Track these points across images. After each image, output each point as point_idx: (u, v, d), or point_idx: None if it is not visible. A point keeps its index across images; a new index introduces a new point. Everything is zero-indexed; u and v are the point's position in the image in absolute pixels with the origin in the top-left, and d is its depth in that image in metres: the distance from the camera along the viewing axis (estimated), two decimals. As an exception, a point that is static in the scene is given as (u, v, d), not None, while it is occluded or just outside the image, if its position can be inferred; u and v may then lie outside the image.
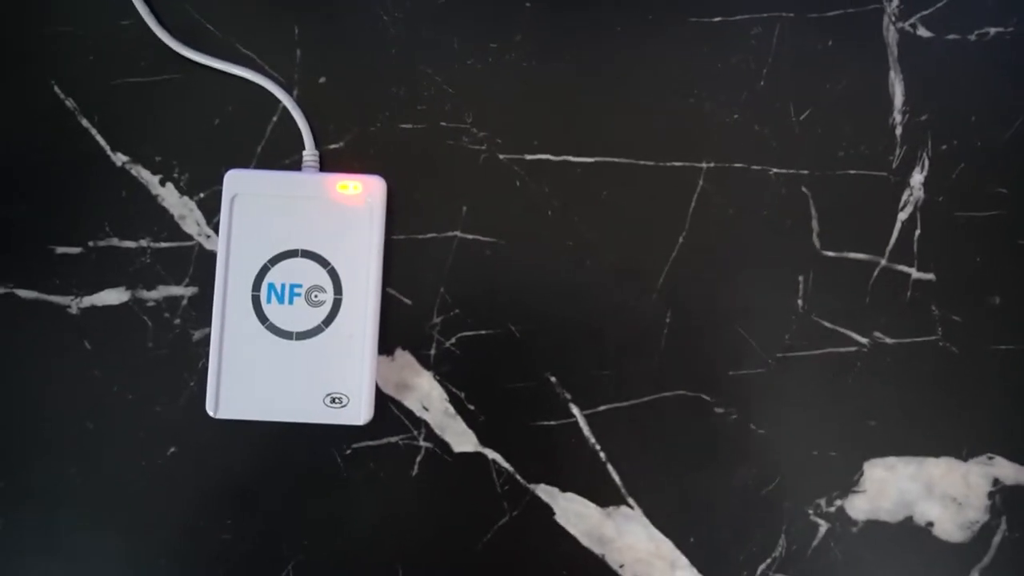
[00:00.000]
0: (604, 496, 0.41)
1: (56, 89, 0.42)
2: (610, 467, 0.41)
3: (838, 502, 0.41)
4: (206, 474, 0.41)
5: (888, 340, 0.41)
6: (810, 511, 0.41)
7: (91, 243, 0.41)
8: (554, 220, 0.42)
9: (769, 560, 0.41)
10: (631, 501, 0.41)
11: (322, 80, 0.42)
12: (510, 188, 0.42)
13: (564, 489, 0.41)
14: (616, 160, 0.42)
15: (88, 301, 0.41)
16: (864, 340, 0.41)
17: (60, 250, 0.41)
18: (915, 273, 0.42)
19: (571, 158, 0.42)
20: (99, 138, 0.42)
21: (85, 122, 0.42)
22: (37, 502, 0.40)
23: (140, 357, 0.41)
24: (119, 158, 0.42)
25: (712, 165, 0.42)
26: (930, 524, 0.41)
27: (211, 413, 0.38)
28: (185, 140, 0.42)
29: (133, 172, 0.42)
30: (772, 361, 0.41)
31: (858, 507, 0.41)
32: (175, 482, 0.40)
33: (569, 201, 0.42)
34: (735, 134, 0.42)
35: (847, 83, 0.42)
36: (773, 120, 0.42)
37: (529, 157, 0.42)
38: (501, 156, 0.42)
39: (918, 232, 0.42)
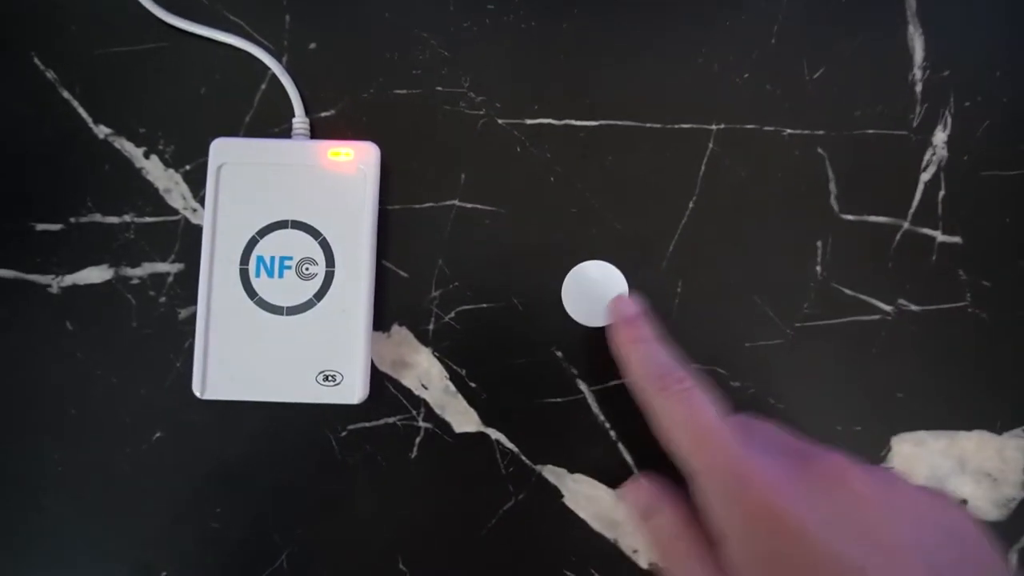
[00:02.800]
0: (615, 476, 0.38)
1: (36, 60, 0.41)
2: (621, 446, 0.39)
3: None
4: (194, 459, 0.39)
5: (913, 307, 0.39)
6: None
7: (72, 219, 0.40)
8: (557, 187, 0.40)
9: (792, 543, 0.38)
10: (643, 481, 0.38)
11: (312, 46, 0.41)
12: (510, 154, 0.40)
13: (572, 470, 0.39)
14: (621, 123, 0.40)
15: (70, 280, 0.40)
16: (888, 308, 0.39)
17: (40, 227, 0.40)
18: (940, 236, 0.39)
19: (574, 122, 0.40)
20: (81, 110, 0.40)
21: (66, 94, 0.41)
22: (16, 491, 0.39)
23: (124, 337, 0.39)
24: (102, 131, 0.40)
25: (722, 127, 0.40)
26: (963, 502, 0.38)
27: (198, 394, 0.37)
28: (170, 111, 0.40)
29: (116, 145, 0.40)
30: (790, 332, 0.39)
31: None
32: (161, 468, 0.39)
33: (572, 167, 0.40)
34: (746, 94, 0.40)
35: (863, 38, 0.40)
36: (785, 79, 0.40)
37: (529, 122, 0.40)
38: (500, 121, 0.40)
39: (942, 193, 0.40)
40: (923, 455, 0.38)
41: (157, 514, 0.39)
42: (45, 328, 0.39)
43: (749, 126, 0.40)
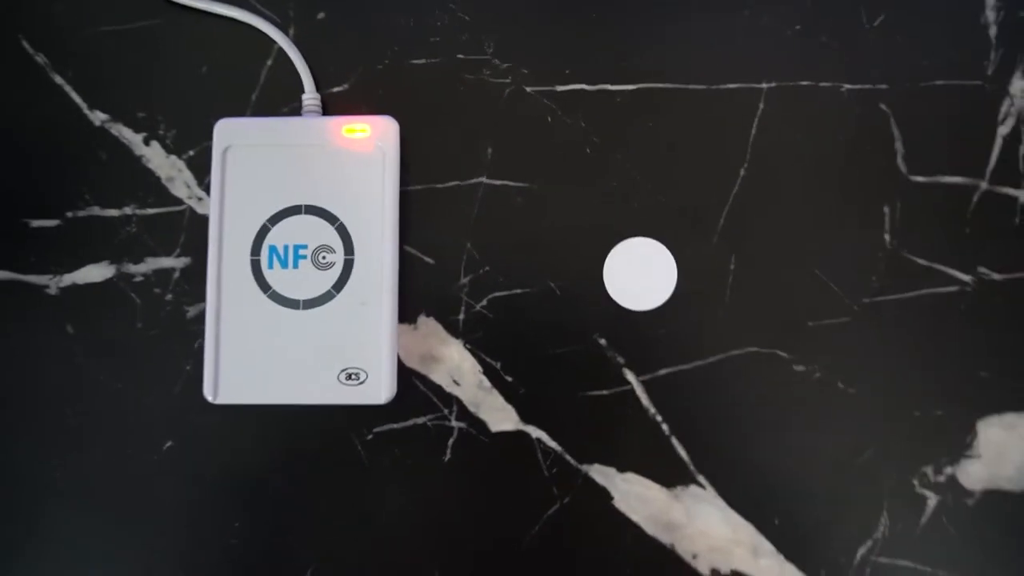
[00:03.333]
0: (670, 475, 0.35)
1: (24, 43, 0.38)
2: (675, 440, 0.36)
3: (948, 470, 0.35)
4: (207, 470, 0.36)
5: (995, 276, 0.36)
6: (915, 482, 0.35)
7: (69, 214, 0.37)
8: (593, 159, 0.37)
9: (870, 542, 0.35)
10: (701, 479, 0.35)
11: (321, 16, 0.38)
12: (541, 125, 0.37)
13: (622, 469, 0.36)
14: (661, 86, 0.37)
15: (68, 279, 0.37)
16: (967, 278, 0.36)
17: (35, 223, 0.37)
18: (1023, 196, 0.36)
19: (609, 86, 0.37)
20: (74, 95, 0.38)
21: (58, 78, 0.38)
22: (14, 507, 0.36)
23: (128, 339, 0.37)
24: (97, 117, 0.38)
25: (773, 85, 0.37)
26: (1061, 491, 0.35)
27: (210, 399, 0.34)
28: (170, 93, 0.38)
29: (114, 132, 0.38)
30: (858, 308, 0.36)
31: (973, 475, 0.35)
32: (173, 480, 0.36)
33: (609, 136, 0.37)
34: (798, 48, 0.37)
35: None
36: (842, 29, 0.37)
37: (561, 88, 0.37)
38: (528, 89, 0.37)
39: (1023, 148, 0.36)
40: (1014, 440, 0.35)
41: (169, 531, 0.36)
42: (43, 331, 0.37)
43: (803, 83, 0.37)
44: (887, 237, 0.36)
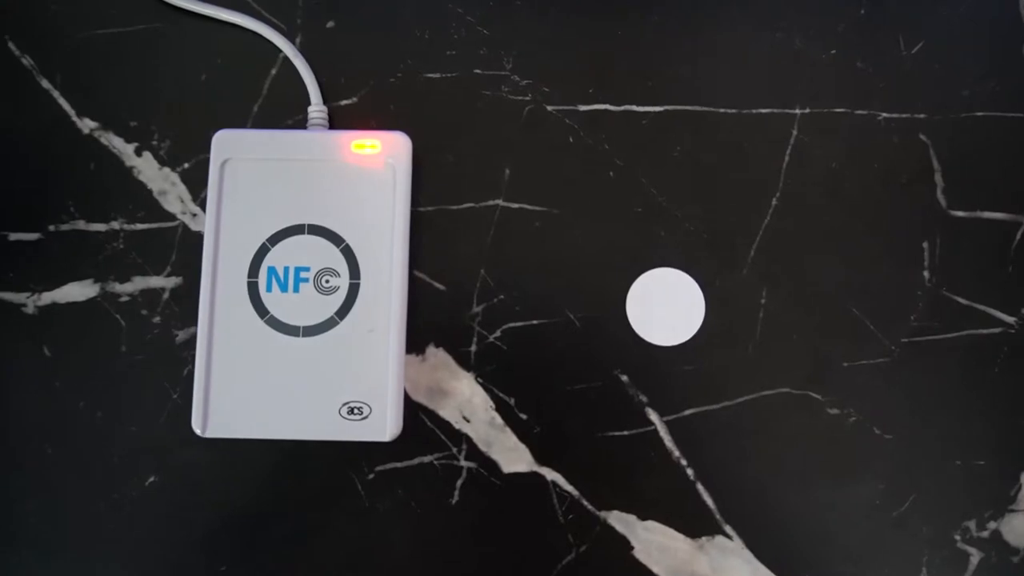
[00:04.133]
0: (694, 524, 0.33)
1: (10, 45, 0.36)
2: (700, 486, 0.34)
3: (992, 524, 0.33)
4: (194, 508, 0.34)
5: (1040, 318, 0.34)
6: (957, 537, 0.33)
7: (51, 227, 0.35)
8: (617, 183, 0.35)
9: (907, 601, 0.32)
10: (728, 529, 0.33)
11: (330, 24, 0.37)
12: (562, 146, 0.36)
13: (644, 516, 0.34)
14: (690, 108, 0.36)
15: (48, 297, 0.35)
16: (1010, 319, 0.34)
17: (14, 236, 0.35)
18: (1068, 234, 0.34)
19: (635, 107, 0.36)
20: (62, 101, 0.36)
21: (45, 83, 0.36)
22: (-18, 549, 0.33)
23: (112, 365, 0.34)
24: (86, 124, 0.36)
25: (807, 111, 0.36)
26: (1110, 549, 0.33)
27: (199, 432, 0.32)
28: (166, 101, 0.36)
29: (103, 141, 0.36)
30: (896, 348, 0.34)
31: (1019, 530, 0.33)
32: (156, 518, 0.34)
33: (634, 159, 0.35)
34: (833, 73, 0.36)
35: (968, 4, 0.36)
36: (879, 54, 0.36)
37: (583, 108, 0.36)
38: (549, 108, 0.36)
39: (1069, 184, 0.34)
40: (1061, 493, 0.33)
41: (151, 573, 0.33)
42: (18, 354, 0.34)
43: (838, 110, 0.36)
44: (926, 274, 0.34)
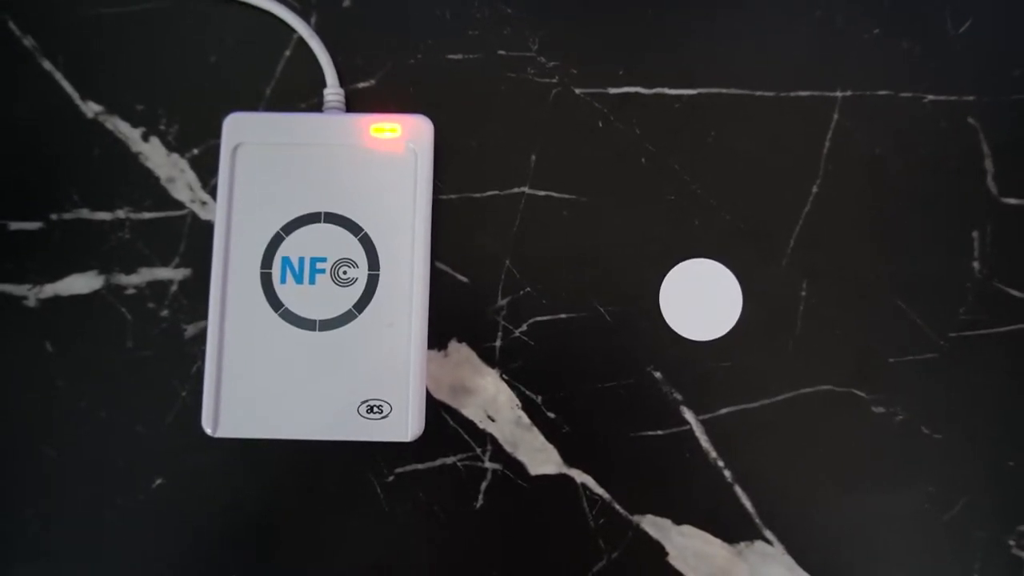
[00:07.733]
0: (732, 528, 0.32)
1: (11, 25, 0.35)
2: (738, 489, 0.32)
3: None
4: (203, 512, 0.33)
5: (1097, 311, 0.33)
6: (1011, 542, 0.32)
7: (54, 216, 0.34)
8: (648, 170, 0.34)
9: (958, 610, 0.31)
10: (768, 534, 0.32)
11: (346, 3, 0.35)
12: (591, 131, 0.34)
13: (679, 520, 0.32)
14: (726, 91, 0.35)
15: (50, 290, 0.34)
16: None
17: (15, 226, 0.34)
18: None
19: (667, 90, 0.35)
20: (65, 84, 0.35)
21: (47, 64, 0.35)
22: (-20, 555, 0.32)
23: (116, 361, 0.33)
24: (91, 108, 0.35)
25: (849, 94, 0.34)
26: None
27: (209, 432, 0.31)
28: (174, 84, 0.35)
29: (108, 125, 0.35)
30: (945, 343, 0.33)
31: None
32: (163, 523, 0.33)
33: (667, 145, 0.34)
34: (876, 54, 0.35)
35: None
36: (925, 34, 0.35)
37: (613, 91, 0.35)
38: (577, 91, 0.35)
39: None
40: (1121, 497, 0.31)
41: None
42: (18, 349, 0.33)
43: (882, 92, 0.35)
44: (976, 265, 0.33)
